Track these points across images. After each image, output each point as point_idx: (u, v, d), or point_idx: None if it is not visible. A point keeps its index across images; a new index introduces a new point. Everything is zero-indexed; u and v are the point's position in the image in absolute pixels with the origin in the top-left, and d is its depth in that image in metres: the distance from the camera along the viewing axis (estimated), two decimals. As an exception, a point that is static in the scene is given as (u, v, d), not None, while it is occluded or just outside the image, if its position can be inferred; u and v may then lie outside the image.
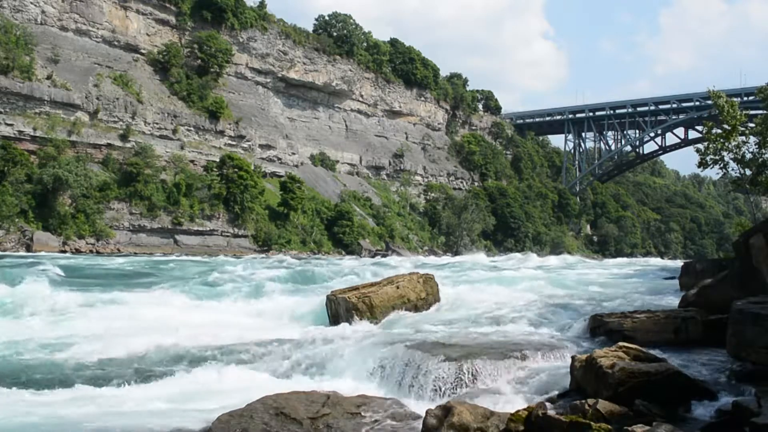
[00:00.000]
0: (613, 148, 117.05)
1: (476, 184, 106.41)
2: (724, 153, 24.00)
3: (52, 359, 11.94)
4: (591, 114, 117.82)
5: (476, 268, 36.08)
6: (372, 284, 16.72)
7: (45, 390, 9.89)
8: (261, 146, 79.45)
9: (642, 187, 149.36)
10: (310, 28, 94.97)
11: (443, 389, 9.10)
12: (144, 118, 66.17)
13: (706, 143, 25.36)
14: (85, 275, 27.01)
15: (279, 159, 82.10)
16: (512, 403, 7.96)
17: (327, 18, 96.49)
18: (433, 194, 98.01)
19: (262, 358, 11.89)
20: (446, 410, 6.98)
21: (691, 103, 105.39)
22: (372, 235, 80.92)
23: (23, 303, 16.91)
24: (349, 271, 29.25)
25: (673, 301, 15.77)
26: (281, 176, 77.63)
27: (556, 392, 8.33)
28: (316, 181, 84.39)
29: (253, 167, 72.43)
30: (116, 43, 69.52)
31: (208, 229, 65.45)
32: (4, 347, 12.65)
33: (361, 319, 15.08)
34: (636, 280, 27.93)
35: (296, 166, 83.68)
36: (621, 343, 8.62)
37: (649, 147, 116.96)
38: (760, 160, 24.07)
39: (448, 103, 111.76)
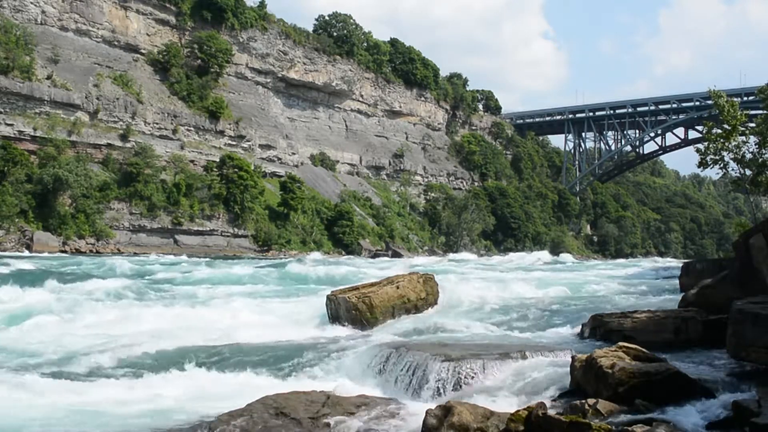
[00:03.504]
0: (613, 148, 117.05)
1: (476, 184, 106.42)
2: (724, 153, 23.97)
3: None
4: (591, 114, 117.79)
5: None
6: (372, 284, 16.72)
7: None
8: (261, 146, 79.46)
9: (642, 187, 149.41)
10: (310, 28, 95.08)
11: (443, 389, 9.09)
12: (144, 118, 66.18)
13: (706, 143, 25.33)
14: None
15: (279, 159, 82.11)
16: (512, 403, 7.95)
17: (327, 18, 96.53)
18: (433, 194, 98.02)
19: (262, 358, 11.88)
20: (446, 410, 6.97)
21: (691, 103, 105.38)
22: (372, 235, 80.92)
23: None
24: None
25: (673, 301, 15.77)
26: (281, 176, 77.65)
27: (556, 392, 8.32)
28: (316, 181, 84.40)
29: (253, 167, 72.43)
30: (116, 43, 69.54)
31: (208, 229, 65.47)
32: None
33: (361, 319, 15.08)
34: (636, 281, 27.94)
35: (296, 166, 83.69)
36: (621, 343, 8.61)
37: (649, 147, 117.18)
38: (760, 160, 24.05)
39: (448, 103, 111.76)
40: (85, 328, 15.02)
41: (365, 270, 31.86)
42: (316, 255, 60.26)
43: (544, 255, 65.04)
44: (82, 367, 11.35)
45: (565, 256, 73.09)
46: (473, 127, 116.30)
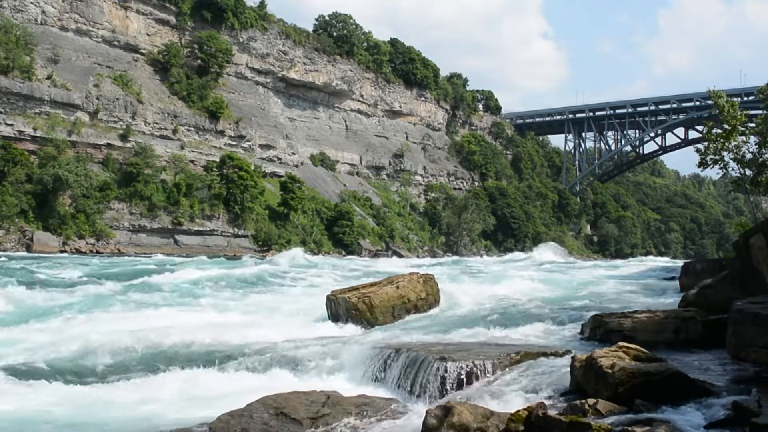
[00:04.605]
0: (613, 148, 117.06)
1: (476, 184, 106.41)
2: (724, 153, 23.92)
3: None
4: (591, 114, 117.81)
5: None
6: (372, 284, 16.73)
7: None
8: (261, 146, 79.46)
9: (642, 187, 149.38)
10: (310, 28, 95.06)
11: (443, 389, 9.10)
12: (144, 118, 66.18)
13: (706, 143, 25.28)
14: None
15: (279, 159, 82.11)
16: (512, 403, 7.95)
17: (327, 18, 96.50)
18: (433, 194, 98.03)
19: (262, 358, 11.88)
20: (446, 410, 6.97)
21: (691, 103, 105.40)
22: (372, 235, 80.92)
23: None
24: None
25: (673, 301, 15.78)
26: (281, 176, 77.63)
27: (556, 392, 8.32)
28: (316, 181, 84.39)
29: (253, 167, 72.42)
30: (116, 43, 69.52)
31: (208, 229, 65.46)
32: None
33: (361, 320, 15.08)
34: (636, 281, 27.95)
35: (296, 166, 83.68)
36: (621, 343, 8.61)
37: (649, 147, 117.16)
38: (761, 160, 24.00)
39: (448, 103, 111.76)
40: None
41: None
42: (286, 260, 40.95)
43: (549, 253, 62.98)
44: (74, 368, 11.34)
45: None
46: (473, 127, 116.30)
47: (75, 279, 25.04)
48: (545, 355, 9.92)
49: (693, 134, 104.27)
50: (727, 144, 23.48)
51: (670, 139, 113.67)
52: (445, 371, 9.28)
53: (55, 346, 12.58)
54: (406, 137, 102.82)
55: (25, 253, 46.63)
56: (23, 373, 10.72)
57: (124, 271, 29.50)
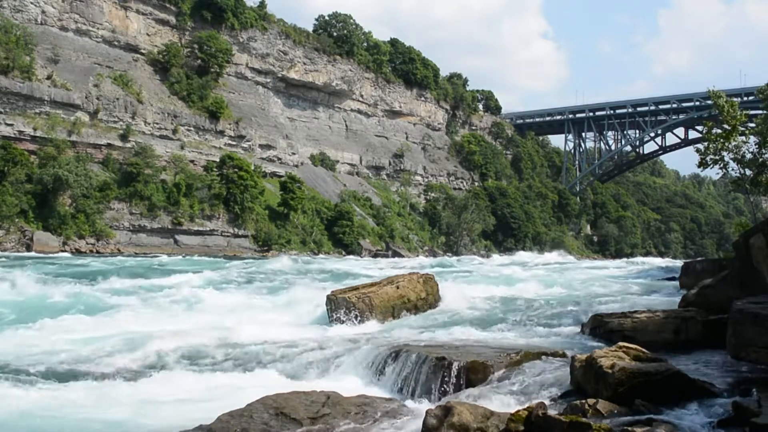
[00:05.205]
0: (613, 148, 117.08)
1: (476, 184, 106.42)
2: (724, 153, 23.88)
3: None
4: (591, 114, 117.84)
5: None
6: (372, 284, 16.73)
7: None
8: (261, 146, 79.46)
9: (642, 187, 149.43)
10: (310, 28, 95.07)
11: (443, 389, 9.10)
12: (144, 118, 66.17)
13: (706, 143, 25.24)
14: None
15: (279, 159, 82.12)
16: (512, 403, 7.95)
17: (327, 18, 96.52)
18: (433, 194, 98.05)
19: (261, 358, 11.88)
20: (446, 410, 6.97)
21: (691, 103, 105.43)
22: (372, 235, 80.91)
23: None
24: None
25: (673, 301, 15.77)
26: (281, 176, 77.64)
27: (556, 392, 8.31)
28: (316, 181, 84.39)
29: (253, 167, 72.43)
30: (116, 43, 69.52)
31: (208, 229, 65.45)
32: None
33: (361, 319, 15.08)
34: (636, 281, 27.96)
35: (296, 166, 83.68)
36: (621, 343, 8.60)
37: (649, 147, 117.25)
38: (760, 160, 23.96)
39: (448, 103, 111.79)
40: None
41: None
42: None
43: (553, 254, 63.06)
44: (78, 368, 11.32)
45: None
46: (473, 127, 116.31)
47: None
48: (545, 355, 9.92)
49: (693, 134, 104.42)
50: (727, 144, 23.43)
51: (670, 139, 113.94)
52: (445, 371, 9.28)
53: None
54: (406, 137, 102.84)
55: (25, 253, 46.64)
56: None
57: (79, 272, 28.23)
